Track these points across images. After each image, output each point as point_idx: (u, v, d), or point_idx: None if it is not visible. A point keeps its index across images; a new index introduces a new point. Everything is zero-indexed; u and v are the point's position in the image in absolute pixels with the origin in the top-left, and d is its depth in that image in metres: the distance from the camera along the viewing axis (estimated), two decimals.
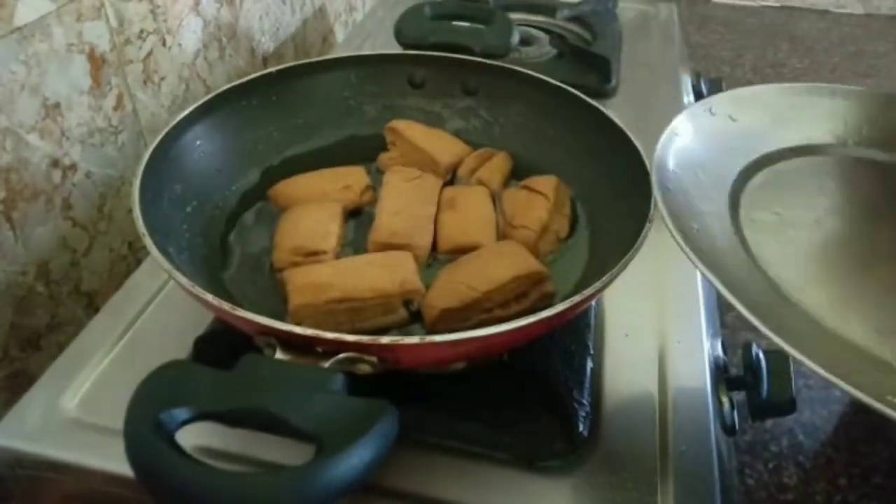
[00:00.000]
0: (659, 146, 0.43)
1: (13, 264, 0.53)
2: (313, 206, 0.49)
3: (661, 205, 0.39)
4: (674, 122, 0.46)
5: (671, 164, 0.43)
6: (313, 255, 0.45)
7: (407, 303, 0.42)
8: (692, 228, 0.40)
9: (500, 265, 0.42)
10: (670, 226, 0.37)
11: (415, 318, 0.43)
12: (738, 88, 0.51)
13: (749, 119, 0.50)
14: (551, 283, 0.44)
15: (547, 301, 0.44)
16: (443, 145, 0.56)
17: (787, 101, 0.52)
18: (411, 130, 0.56)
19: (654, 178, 0.41)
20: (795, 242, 0.44)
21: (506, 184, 0.54)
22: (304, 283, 0.41)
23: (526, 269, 0.42)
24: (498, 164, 0.55)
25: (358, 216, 0.52)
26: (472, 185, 0.53)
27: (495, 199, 0.52)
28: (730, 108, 0.49)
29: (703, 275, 0.34)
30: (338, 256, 0.46)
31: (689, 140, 0.46)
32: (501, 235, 0.49)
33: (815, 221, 0.46)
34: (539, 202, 0.48)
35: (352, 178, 0.52)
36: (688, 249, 0.36)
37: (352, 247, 0.49)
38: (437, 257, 0.48)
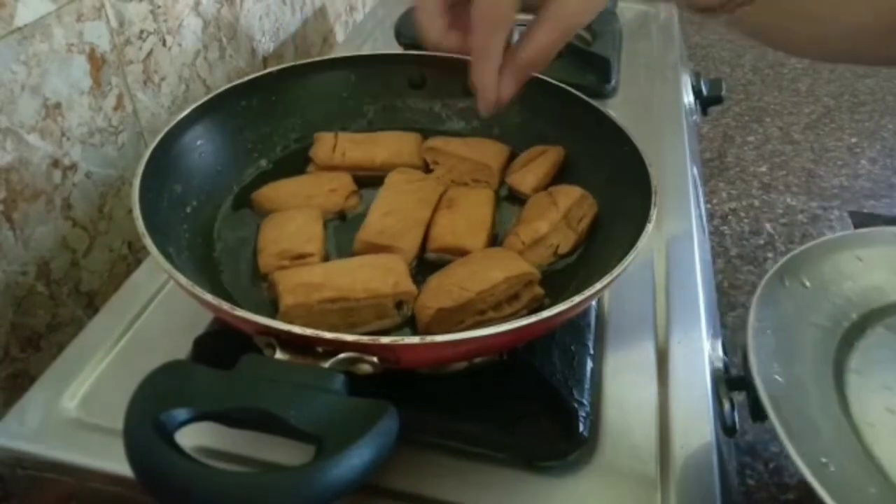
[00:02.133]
0: (751, 353, 0.37)
1: (13, 264, 0.53)
2: (294, 211, 0.48)
3: (790, 450, 0.31)
4: (751, 312, 0.40)
5: (774, 373, 0.37)
6: (300, 259, 0.45)
7: (398, 306, 0.42)
8: (824, 466, 0.32)
9: (492, 267, 0.42)
10: (809, 477, 0.29)
11: (406, 325, 0.43)
12: (804, 247, 0.46)
13: (819, 281, 0.45)
14: (540, 286, 0.44)
15: (537, 303, 0.44)
16: (486, 150, 0.54)
17: (851, 252, 0.47)
18: (451, 144, 0.54)
19: (768, 408, 0.34)
20: None
21: (548, 182, 0.52)
22: (296, 283, 0.41)
23: (517, 270, 0.42)
24: (535, 167, 0.53)
25: (343, 220, 0.51)
26: (517, 187, 0.52)
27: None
28: (799, 273, 0.45)
29: None
30: (323, 259, 0.46)
31: (771, 330, 0.40)
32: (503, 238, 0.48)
33: None
34: (549, 213, 0.47)
35: (337, 182, 0.52)
36: None
37: (336, 250, 0.48)
38: (424, 257, 0.47)
